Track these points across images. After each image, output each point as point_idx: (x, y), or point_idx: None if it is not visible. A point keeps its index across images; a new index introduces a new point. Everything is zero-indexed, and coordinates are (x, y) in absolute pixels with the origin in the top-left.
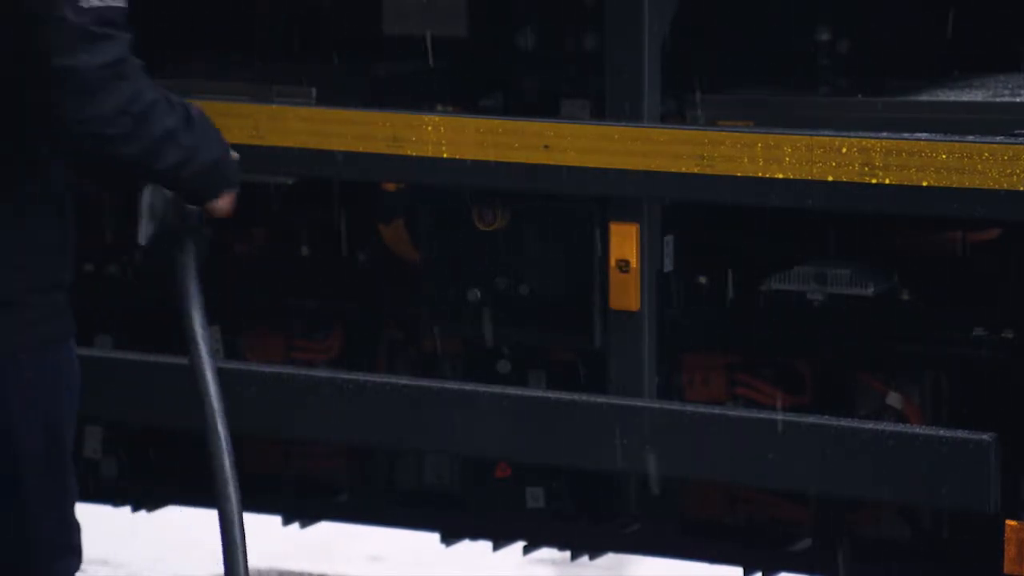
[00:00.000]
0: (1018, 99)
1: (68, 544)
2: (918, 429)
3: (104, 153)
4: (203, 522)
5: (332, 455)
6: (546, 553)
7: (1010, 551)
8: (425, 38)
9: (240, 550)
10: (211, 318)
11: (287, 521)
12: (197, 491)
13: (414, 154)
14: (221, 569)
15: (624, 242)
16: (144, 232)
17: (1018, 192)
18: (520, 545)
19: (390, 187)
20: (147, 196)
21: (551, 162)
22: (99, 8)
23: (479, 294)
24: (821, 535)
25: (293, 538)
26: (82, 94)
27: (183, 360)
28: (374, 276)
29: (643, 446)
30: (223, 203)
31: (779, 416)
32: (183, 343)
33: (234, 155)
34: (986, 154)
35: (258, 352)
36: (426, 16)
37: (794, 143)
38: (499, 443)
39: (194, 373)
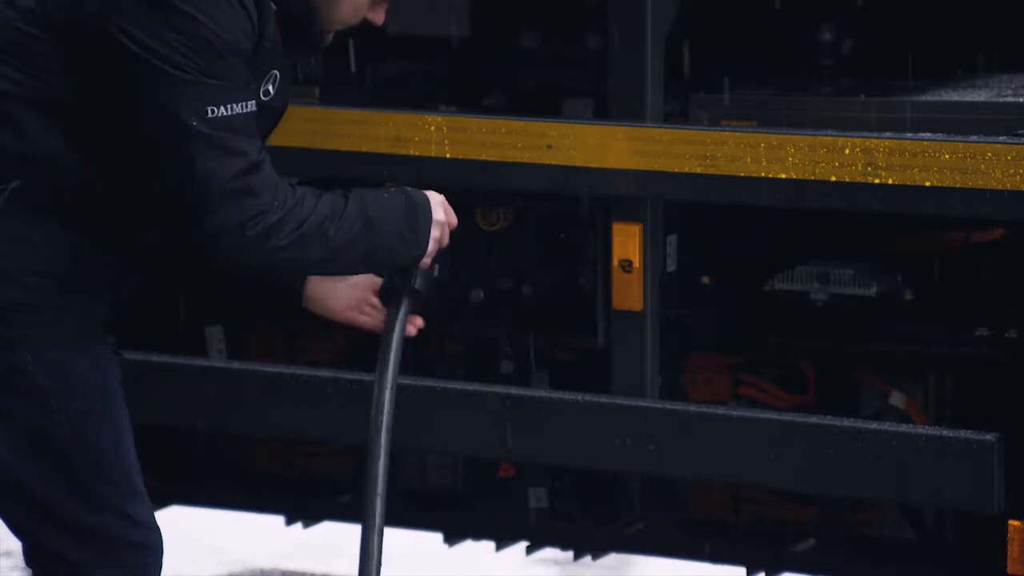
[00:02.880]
0: (1021, 99)
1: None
2: (921, 429)
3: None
4: (204, 522)
5: (335, 455)
6: (549, 553)
7: (1014, 551)
8: (429, 38)
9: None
10: (213, 318)
11: (290, 521)
12: (198, 491)
13: (417, 154)
14: (222, 569)
15: (627, 242)
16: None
17: (1021, 192)
18: (523, 545)
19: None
20: None
21: (554, 162)
22: (224, 117)
23: (482, 294)
24: (824, 535)
25: (296, 538)
26: (207, 205)
27: (185, 360)
28: None
29: (646, 446)
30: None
31: (782, 416)
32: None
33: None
34: (989, 154)
35: (261, 352)
36: (429, 16)
37: (797, 143)
38: (502, 443)
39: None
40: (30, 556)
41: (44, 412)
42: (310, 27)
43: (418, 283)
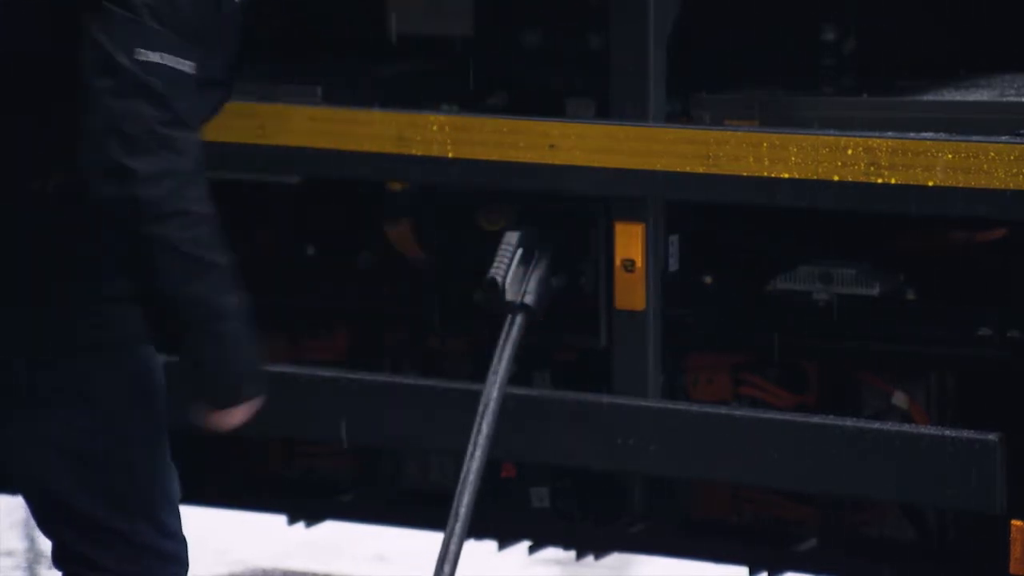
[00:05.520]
0: (1023, 99)
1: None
2: (923, 429)
3: (107, 199)
4: (206, 522)
5: (337, 454)
6: (551, 553)
7: (1016, 551)
8: (431, 37)
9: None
10: None
11: (292, 520)
12: (200, 491)
13: (420, 153)
14: (223, 569)
15: (629, 242)
16: (507, 276)
17: (1023, 192)
18: (525, 545)
19: (396, 187)
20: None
21: (556, 161)
22: (156, 64)
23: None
24: (826, 535)
25: (298, 537)
26: (123, 146)
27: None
28: (379, 276)
29: (648, 446)
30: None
31: (784, 416)
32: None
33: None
34: (992, 154)
35: (263, 352)
36: (432, 15)
37: (799, 143)
38: (504, 443)
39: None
40: (59, 557)
41: (115, 413)
42: None
43: (529, 299)
